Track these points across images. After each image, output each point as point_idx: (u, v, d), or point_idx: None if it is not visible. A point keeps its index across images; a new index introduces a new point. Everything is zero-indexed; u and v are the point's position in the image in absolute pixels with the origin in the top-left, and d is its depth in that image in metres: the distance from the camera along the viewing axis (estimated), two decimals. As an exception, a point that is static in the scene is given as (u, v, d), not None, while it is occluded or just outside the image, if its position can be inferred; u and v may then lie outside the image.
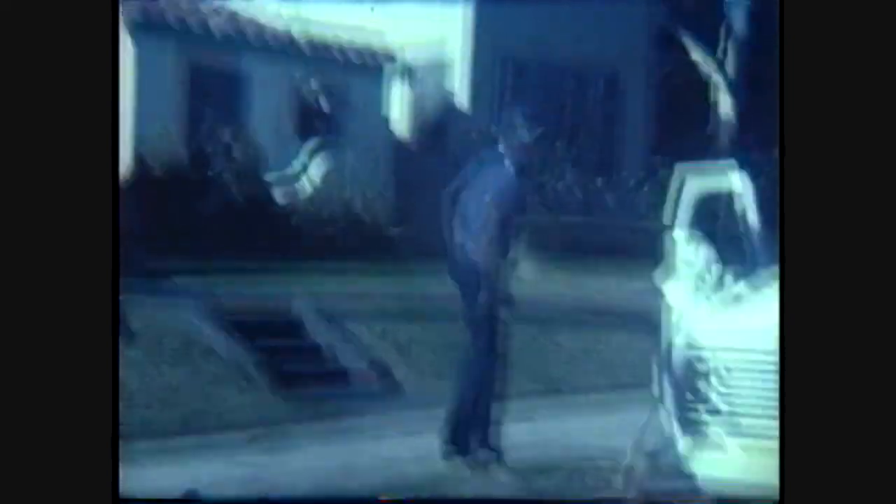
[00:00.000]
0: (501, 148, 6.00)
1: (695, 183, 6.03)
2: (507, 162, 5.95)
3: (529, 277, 12.58)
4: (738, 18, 17.23)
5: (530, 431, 6.73)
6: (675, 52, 16.98)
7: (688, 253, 5.49)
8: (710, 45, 17.13)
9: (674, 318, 5.41)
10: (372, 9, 14.86)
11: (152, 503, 4.26)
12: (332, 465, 5.92)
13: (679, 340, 5.16)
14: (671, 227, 5.91)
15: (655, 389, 5.67)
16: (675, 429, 5.24)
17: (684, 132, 16.75)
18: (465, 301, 6.04)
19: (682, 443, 5.20)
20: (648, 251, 14.18)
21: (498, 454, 5.85)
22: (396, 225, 13.08)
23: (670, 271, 5.65)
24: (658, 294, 9.72)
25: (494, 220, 5.85)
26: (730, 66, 17.35)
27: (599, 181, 15.42)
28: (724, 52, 17.36)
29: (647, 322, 9.63)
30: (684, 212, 5.89)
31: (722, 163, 5.91)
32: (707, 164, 6.42)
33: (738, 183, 5.51)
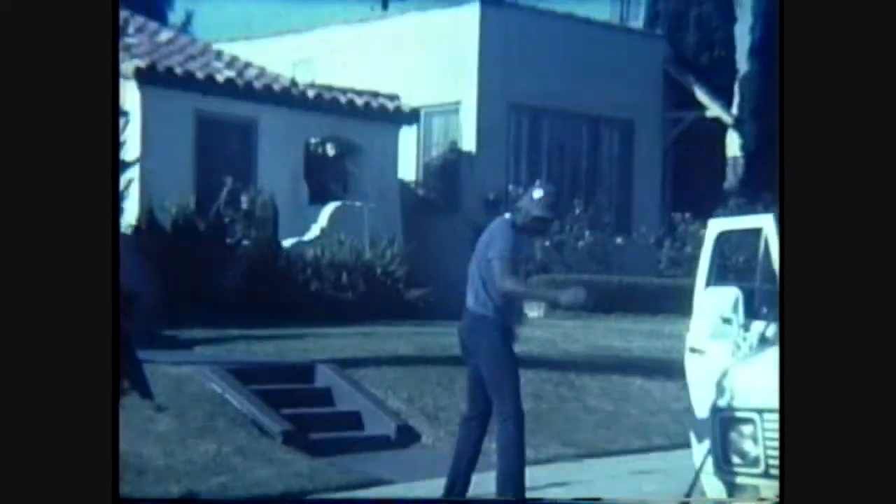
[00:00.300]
0: (508, 214, 6.01)
1: (728, 237, 5.95)
2: (510, 220, 5.94)
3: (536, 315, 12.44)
4: (753, 76, 17.28)
5: (569, 495, 6.56)
6: (691, 107, 17.00)
7: (725, 310, 5.38)
8: (726, 102, 17.17)
9: (714, 378, 5.29)
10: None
11: (152, 503, 4.11)
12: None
13: (722, 402, 5.03)
14: (707, 283, 5.81)
15: (696, 456, 5.54)
16: (719, 491, 5.10)
17: (701, 188, 16.71)
18: (469, 361, 6.02)
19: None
20: (674, 308, 14.09)
21: None
22: (415, 287, 13.01)
23: (708, 330, 5.54)
24: (688, 353, 9.56)
25: (499, 266, 5.79)
26: (746, 122, 17.38)
27: (619, 239, 15.34)
28: (740, 108, 17.40)
29: (676, 382, 9.51)
30: (717, 267, 5.80)
31: (755, 217, 5.83)
32: (740, 219, 6.35)
33: (770, 229, 5.41)
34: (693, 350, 5.78)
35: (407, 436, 8.10)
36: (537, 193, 5.99)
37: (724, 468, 4.95)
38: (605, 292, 13.91)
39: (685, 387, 9.37)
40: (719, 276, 5.81)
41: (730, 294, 5.37)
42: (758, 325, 5.33)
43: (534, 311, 13.70)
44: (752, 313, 5.37)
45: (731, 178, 18.63)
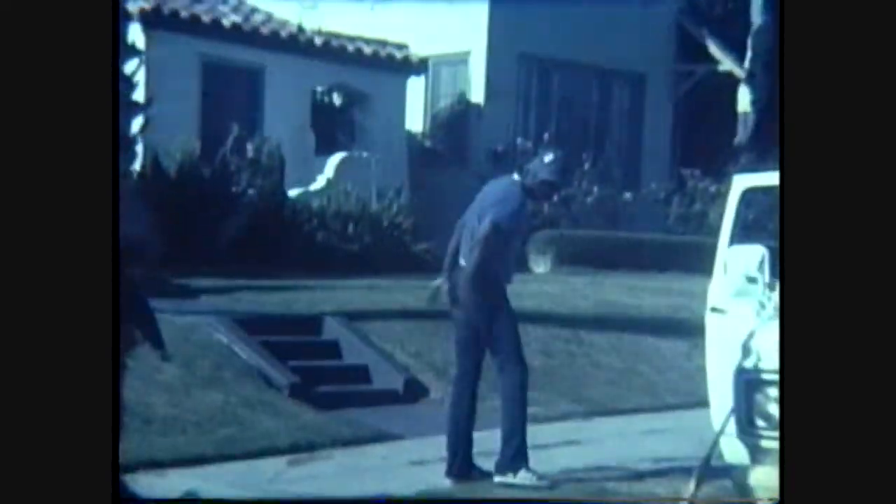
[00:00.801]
0: (516, 175, 5.84)
1: (754, 194, 5.79)
2: (520, 182, 5.76)
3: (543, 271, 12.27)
4: (767, 30, 16.97)
5: (578, 457, 6.46)
6: (703, 61, 16.74)
7: (750, 268, 5.22)
8: (739, 56, 16.88)
9: (739, 339, 5.15)
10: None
11: (152, 503, 4.09)
12: (371, 489, 5.68)
13: (747, 363, 4.90)
14: (730, 241, 5.66)
15: (715, 418, 5.42)
16: (743, 455, 4.99)
17: (711, 143, 16.50)
18: (460, 322, 5.96)
19: (749, 470, 4.96)
20: (682, 264, 13.92)
21: (538, 475, 5.70)
22: (422, 239, 12.85)
23: (731, 289, 5.39)
24: (705, 311, 9.40)
25: (486, 234, 5.65)
26: (758, 77, 17.10)
27: (628, 195, 15.16)
28: (752, 62, 17.10)
29: (686, 340, 9.40)
30: (741, 225, 5.65)
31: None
32: (767, 174, 6.18)
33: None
34: (714, 309, 5.64)
35: (415, 390, 8.00)
36: (548, 157, 5.85)
37: (747, 430, 4.83)
38: (613, 248, 13.79)
39: (696, 345, 9.28)
40: (743, 234, 5.65)
41: (755, 252, 5.21)
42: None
43: (540, 266, 13.58)
44: (777, 272, 5.22)
45: (742, 134, 18.38)
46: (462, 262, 5.93)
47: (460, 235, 6.02)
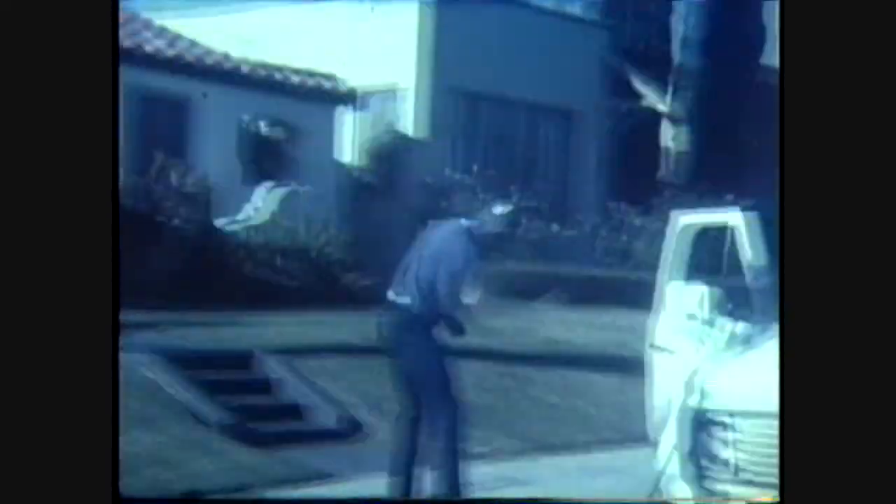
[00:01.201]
0: (464, 221, 5.86)
1: (692, 228, 5.82)
2: (467, 230, 5.78)
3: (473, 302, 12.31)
4: (688, 64, 17.27)
5: (519, 494, 6.39)
6: (629, 97, 16.95)
7: (690, 306, 5.23)
8: (661, 90, 17.14)
9: (680, 376, 5.14)
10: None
11: (152, 503, 4.00)
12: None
13: (692, 402, 4.87)
14: (670, 277, 5.68)
15: (661, 455, 5.39)
16: (685, 492, 4.96)
17: (638, 178, 16.69)
18: (399, 355, 5.90)
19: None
20: (610, 298, 14.02)
21: None
22: (352, 272, 12.73)
23: (672, 325, 5.40)
24: (638, 345, 9.41)
25: (430, 271, 5.65)
26: (678, 112, 17.38)
27: (556, 227, 15.23)
28: (674, 96, 17.38)
29: (620, 375, 9.42)
30: (681, 259, 5.67)
31: (721, 211, 5.71)
32: (706, 213, 6.21)
33: (739, 224, 5.27)
34: (655, 346, 5.64)
35: (351, 427, 7.85)
36: (498, 209, 5.80)
37: (692, 471, 4.79)
38: (541, 281, 13.80)
39: (629, 380, 9.35)
40: (684, 270, 5.67)
41: (695, 291, 5.23)
42: (725, 323, 5.20)
43: (468, 298, 13.53)
44: (719, 310, 5.24)
45: (664, 168, 18.63)
46: (391, 296, 5.84)
47: (406, 275, 5.89)
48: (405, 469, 5.82)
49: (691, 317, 5.21)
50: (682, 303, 5.20)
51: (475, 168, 15.07)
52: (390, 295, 5.86)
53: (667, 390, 5.45)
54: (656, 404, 5.55)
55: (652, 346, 5.63)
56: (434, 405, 5.74)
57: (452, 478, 5.67)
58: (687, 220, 5.68)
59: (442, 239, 5.82)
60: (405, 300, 5.75)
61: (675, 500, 4.80)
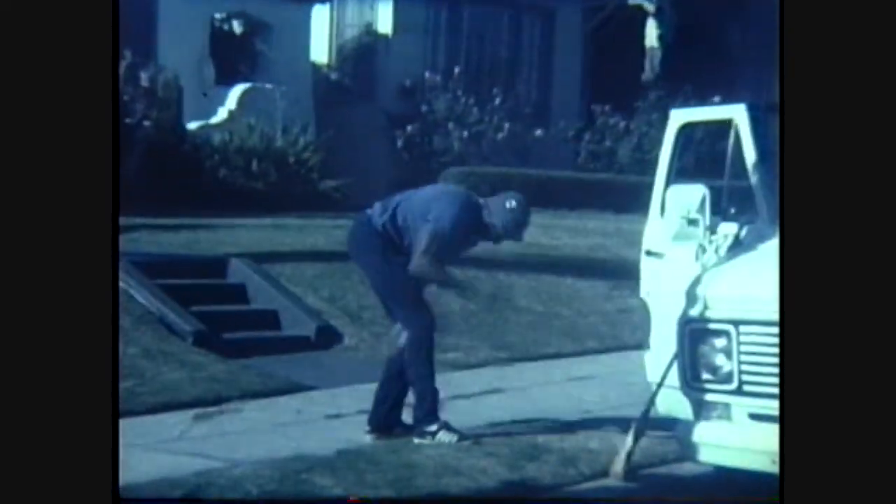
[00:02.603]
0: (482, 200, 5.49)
1: (692, 127, 5.49)
2: (479, 206, 5.43)
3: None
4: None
5: (503, 407, 6.17)
6: (613, -5, 16.44)
7: (691, 209, 4.92)
8: (648, -11, 16.62)
9: (678, 284, 4.86)
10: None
11: (152, 503, 3.92)
12: (284, 445, 5.29)
13: (692, 311, 4.61)
14: (667, 180, 5.36)
15: (651, 367, 5.16)
16: (683, 408, 4.73)
17: (621, 80, 16.26)
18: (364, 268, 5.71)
19: (688, 423, 4.71)
20: (592, 203, 13.73)
21: (446, 424, 5.38)
22: (329, 177, 12.37)
23: (670, 231, 5.10)
24: (623, 251, 9.14)
25: (430, 239, 5.31)
26: (665, 11, 16.89)
27: (539, 132, 14.85)
28: (662, -3, 16.88)
29: (605, 281, 9.17)
30: (679, 160, 5.35)
31: (724, 107, 5.36)
32: (707, 109, 5.87)
33: (743, 119, 4.93)
34: (650, 253, 5.36)
35: (328, 337, 7.58)
36: (510, 203, 5.41)
37: (691, 384, 4.55)
38: (524, 185, 13.48)
39: (615, 287, 9.11)
40: (680, 172, 5.35)
41: (696, 192, 4.91)
42: (726, 227, 4.90)
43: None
44: (719, 214, 4.95)
45: (648, 70, 18.20)
46: (371, 215, 5.51)
47: (391, 203, 5.55)
48: (388, 383, 5.56)
49: (692, 222, 4.91)
50: (681, 206, 4.89)
51: (456, 70, 14.62)
52: (368, 211, 5.55)
53: (662, 298, 5.17)
54: (650, 313, 5.28)
55: (648, 252, 5.33)
56: (403, 322, 5.47)
57: (431, 399, 5.41)
58: (686, 118, 5.33)
59: (446, 196, 5.46)
60: (376, 217, 5.44)
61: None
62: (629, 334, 8.13)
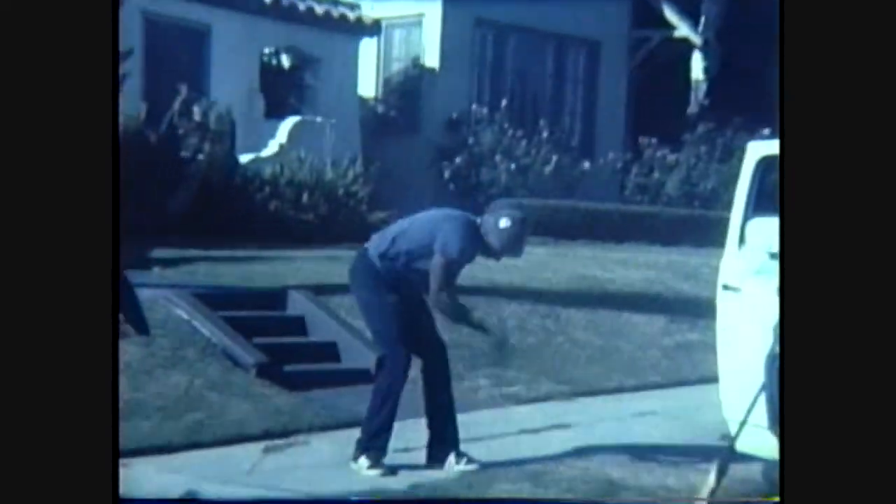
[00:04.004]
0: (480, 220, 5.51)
1: (771, 159, 5.44)
2: (476, 225, 5.47)
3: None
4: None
5: (570, 442, 6.10)
6: (659, 27, 16.43)
7: (773, 244, 4.86)
8: (693, 22, 16.62)
9: (759, 319, 4.81)
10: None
11: (152, 503, 3.89)
12: (356, 480, 5.26)
13: (777, 346, 4.53)
14: (744, 213, 5.31)
15: (727, 402, 5.10)
16: (769, 446, 4.66)
17: (667, 112, 16.24)
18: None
19: (774, 462, 4.63)
20: (640, 236, 13.66)
21: (468, 458, 5.48)
22: (378, 210, 12.37)
23: (750, 265, 5.04)
24: (683, 283, 9.05)
25: (441, 272, 5.40)
26: (710, 44, 16.87)
27: (586, 164, 14.83)
28: (705, 29, 16.87)
29: (664, 315, 9.10)
30: (759, 193, 5.30)
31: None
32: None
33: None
34: (728, 287, 5.29)
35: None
36: (503, 222, 5.41)
37: (773, 416, 4.48)
38: (571, 218, 13.45)
39: (673, 321, 9.03)
40: (758, 205, 5.30)
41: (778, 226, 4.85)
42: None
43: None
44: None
45: (694, 103, 18.18)
46: (369, 249, 5.57)
47: (388, 234, 5.65)
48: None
49: (774, 256, 4.86)
50: (763, 240, 4.84)
51: (503, 102, 14.64)
52: (366, 245, 5.61)
53: (740, 334, 5.11)
54: (727, 348, 5.22)
55: (725, 286, 5.27)
56: (380, 356, 5.59)
57: (364, 428, 5.47)
58: (766, 151, 5.28)
59: (447, 223, 5.45)
60: (372, 249, 5.52)
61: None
62: (690, 369, 8.08)
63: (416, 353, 5.59)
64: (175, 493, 4.99)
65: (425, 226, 5.51)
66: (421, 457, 5.61)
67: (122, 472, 4.85)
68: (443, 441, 5.55)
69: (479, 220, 5.51)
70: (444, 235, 5.37)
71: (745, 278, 5.09)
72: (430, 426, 5.60)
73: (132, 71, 11.69)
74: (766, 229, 4.91)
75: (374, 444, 5.47)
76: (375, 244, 5.61)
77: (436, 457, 5.54)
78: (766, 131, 12.58)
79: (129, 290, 3.90)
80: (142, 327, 4.08)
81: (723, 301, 5.32)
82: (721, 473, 4.80)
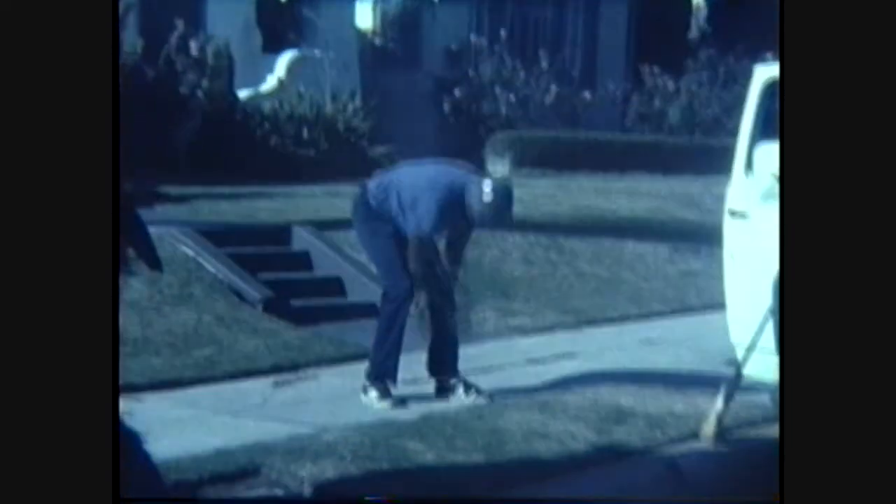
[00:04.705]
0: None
1: (777, 86, 5.39)
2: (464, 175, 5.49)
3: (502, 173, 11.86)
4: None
5: (578, 371, 6.14)
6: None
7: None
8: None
9: (767, 244, 4.80)
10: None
11: (152, 503, 3.93)
12: (366, 411, 5.31)
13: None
14: (751, 138, 5.28)
15: (735, 328, 5.12)
16: (776, 370, 4.68)
17: (668, 39, 16.08)
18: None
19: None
20: (643, 165, 13.58)
21: (476, 389, 5.56)
22: (380, 144, 12.32)
23: (758, 191, 5.03)
24: (686, 211, 9.02)
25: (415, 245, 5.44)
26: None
27: (587, 94, 14.73)
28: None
29: (667, 244, 9.10)
30: (767, 117, 5.26)
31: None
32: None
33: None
34: (735, 213, 5.29)
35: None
36: (487, 186, 5.35)
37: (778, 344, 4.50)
38: (573, 149, 13.40)
39: (677, 249, 9.04)
40: (765, 131, 5.26)
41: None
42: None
43: (499, 168, 13.16)
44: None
45: (695, 28, 17.99)
46: (369, 187, 5.60)
47: (385, 180, 5.64)
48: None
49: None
50: (771, 165, 4.82)
51: (503, 33, 14.50)
52: (366, 182, 5.70)
53: (748, 260, 5.12)
54: (735, 274, 5.23)
55: (732, 212, 5.27)
56: (382, 286, 5.67)
57: (370, 358, 5.52)
58: (772, 74, 5.22)
59: (431, 192, 5.41)
60: (371, 192, 5.56)
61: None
62: (695, 297, 8.11)
63: (418, 285, 5.60)
64: (191, 426, 5.04)
65: (413, 189, 5.47)
66: (429, 388, 5.65)
67: (136, 406, 4.94)
68: (443, 367, 5.60)
69: (471, 182, 5.42)
70: (419, 213, 5.38)
71: (753, 204, 5.08)
72: (431, 354, 5.63)
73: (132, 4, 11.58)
74: (774, 155, 4.87)
75: (381, 375, 5.51)
76: (374, 186, 5.59)
77: (441, 385, 5.58)
78: (770, 55, 12.50)
79: (141, 228, 3.86)
80: (153, 260, 4.05)
81: (729, 227, 5.32)
82: (728, 397, 4.84)
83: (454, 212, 5.41)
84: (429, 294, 5.55)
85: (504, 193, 5.47)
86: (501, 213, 5.49)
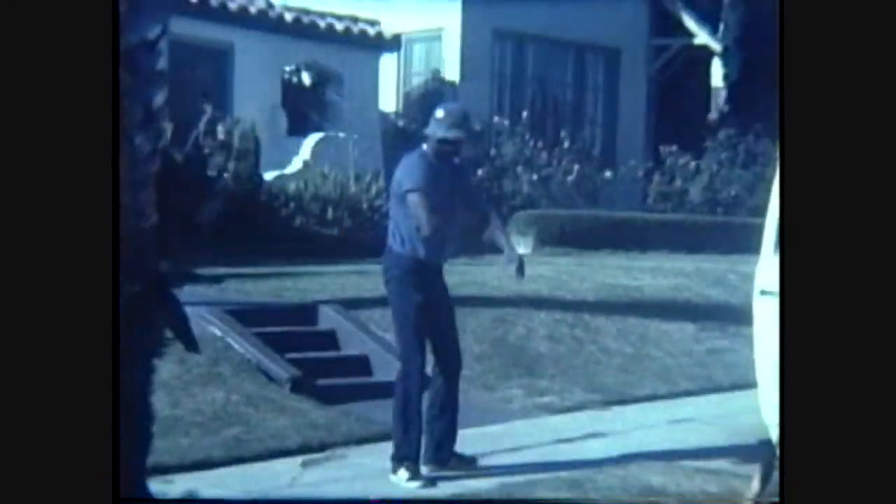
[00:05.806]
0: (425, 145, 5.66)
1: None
2: (421, 150, 5.68)
3: (525, 252, 11.90)
4: (739, 2, 16.73)
5: (607, 450, 6.10)
6: (678, 35, 16.44)
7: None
8: (713, 29, 16.62)
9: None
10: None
11: (152, 503, 3.93)
12: (395, 491, 5.28)
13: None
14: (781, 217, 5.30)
15: (767, 408, 5.09)
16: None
17: (688, 119, 16.24)
18: None
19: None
20: (664, 243, 13.58)
21: (471, 460, 5.60)
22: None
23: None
24: (710, 290, 9.02)
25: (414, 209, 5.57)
26: (730, 50, 16.86)
27: (608, 173, 14.84)
28: (725, 35, 16.86)
29: (693, 322, 9.08)
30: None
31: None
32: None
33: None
34: (765, 292, 5.28)
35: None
36: (439, 113, 5.53)
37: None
38: (594, 227, 13.46)
39: (703, 328, 9.02)
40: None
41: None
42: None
43: (521, 247, 13.20)
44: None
45: (714, 109, 18.18)
46: (389, 240, 5.69)
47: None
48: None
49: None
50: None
51: (524, 114, 14.68)
52: (388, 239, 5.85)
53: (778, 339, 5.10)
54: (766, 354, 5.20)
55: (763, 292, 5.27)
56: (398, 355, 5.71)
57: (397, 446, 5.50)
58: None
59: (401, 166, 5.66)
60: (389, 240, 5.71)
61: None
62: (723, 375, 8.07)
63: (432, 352, 5.64)
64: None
65: (394, 192, 5.70)
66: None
67: (167, 488, 4.94)
68: (441, 446, 5.58)
69: (424, 147, 5.65)
70: (396, 180, 5.56)
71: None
72: (430, 426, 5.60)
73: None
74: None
75: (404, 455, 5.47)
76: (391, 235, 5.74)
77: (434, 458, 5.57)
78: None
79: (178, 309, 3.90)
80: (192, 345, 4.09)
81: (760, 306, 5.31)
82: (766, 479, 4.80)
83: (424, 160, 5.53)
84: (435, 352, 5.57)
85: (456, 110, 5.80)
86: (455, 126, 5.60)
